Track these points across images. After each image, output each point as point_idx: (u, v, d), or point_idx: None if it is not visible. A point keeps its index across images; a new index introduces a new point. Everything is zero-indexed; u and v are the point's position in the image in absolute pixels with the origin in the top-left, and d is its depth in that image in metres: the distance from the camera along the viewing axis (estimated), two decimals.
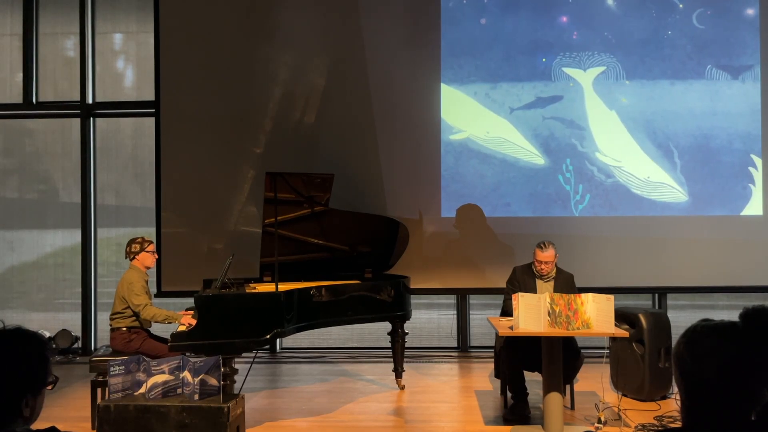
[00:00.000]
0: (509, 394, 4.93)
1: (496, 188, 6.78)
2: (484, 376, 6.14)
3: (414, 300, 5.90)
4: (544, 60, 6.79)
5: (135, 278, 4.97)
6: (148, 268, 5.12)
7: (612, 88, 6.76)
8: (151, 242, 5.16)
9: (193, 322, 4.57)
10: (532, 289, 4.90)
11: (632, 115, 6.74)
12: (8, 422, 1.59)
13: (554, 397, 4.38)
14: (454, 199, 6.79)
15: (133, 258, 5.06)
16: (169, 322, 4.90)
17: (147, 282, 5.07)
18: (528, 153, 6.77)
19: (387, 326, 5.76)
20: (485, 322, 6.07)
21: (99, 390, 4.71)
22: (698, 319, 1.61)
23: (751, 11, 6.71)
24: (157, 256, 5.26)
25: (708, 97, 6.72)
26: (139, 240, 5.12)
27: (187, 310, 5.02)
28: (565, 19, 6.81)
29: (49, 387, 1.70)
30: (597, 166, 6.75)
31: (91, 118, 7.41)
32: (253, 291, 5.00)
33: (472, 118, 6.80)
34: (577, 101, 6.77)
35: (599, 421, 4.52)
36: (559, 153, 6.76)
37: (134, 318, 4.94)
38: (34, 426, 1.65)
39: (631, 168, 6.73)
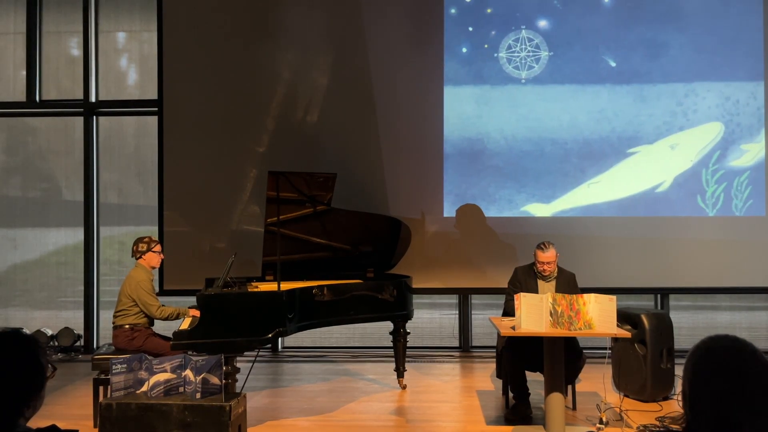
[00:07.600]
0: (511, 394, 4.93)
1: (498, 188, 6.77)
2: (485, 376, 6.14)
3: (416, 300, 5.91)
4: (546, 61, 6.78)
5: (143, 277, 4.99)
6: (153, 268, 5.16)
7: (616, 90, 6.74)
8: (158, 242, 5.21)
9: (198, 313, 4.63)
10: (534, 290, 4.90)
11: (638, 116, 6.73)
12: (11, 424, 1.59)
13: (556, 398, 4.37)
14: (456, 199, 6.79)
15: (140, 257, 5.09)
16: (179, 317, 4.98)
17: (152, 281, 5.10)
18: (530, 153, 6.77)
19: (389, 326, 5.76)
20: (487, 322, 6.07)
21: (101, 388, 4.72)
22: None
23: None
24: (162, 257, 5.30)
25: (710, 99, 6.72)
26: (146, 240, 5.15)
27: (190, 308, 5.06)
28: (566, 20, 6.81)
29: (50, 377, 1.69)
30: (600, 167, 6.74)
31: (94, 117, 7.42)
32: (255, 290, 5.00)
33: (475, 119, 6.80)
34: (579, 103, 6.76)
35: (601, 422, 4.51)
36: (562, 153, 6.75)
37: (138, 315, 4.96)
38: (35, 424, 1.65)
39: (633, 168, 6.73)
